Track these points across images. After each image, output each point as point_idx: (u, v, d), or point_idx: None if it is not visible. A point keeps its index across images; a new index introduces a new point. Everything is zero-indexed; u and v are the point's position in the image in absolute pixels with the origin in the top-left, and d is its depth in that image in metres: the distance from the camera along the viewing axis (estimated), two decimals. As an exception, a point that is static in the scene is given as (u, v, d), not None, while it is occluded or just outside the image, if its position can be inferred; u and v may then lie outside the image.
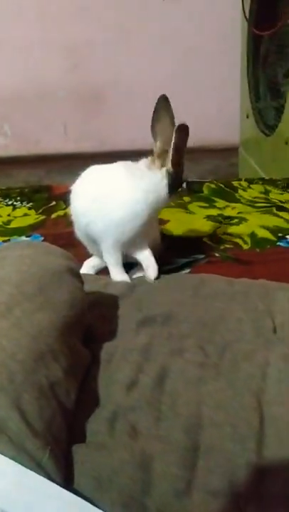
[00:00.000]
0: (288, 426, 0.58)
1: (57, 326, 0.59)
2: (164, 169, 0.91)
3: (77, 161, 2.43)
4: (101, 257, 0.96)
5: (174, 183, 0.92)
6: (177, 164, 0.91)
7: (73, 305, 0.65)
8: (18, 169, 2.66)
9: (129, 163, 0.93)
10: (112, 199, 0.87)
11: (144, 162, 0.92)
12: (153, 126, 0.91)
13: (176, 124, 0.86)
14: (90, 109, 2.70)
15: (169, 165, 0.90)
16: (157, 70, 2.57)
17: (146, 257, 0.94)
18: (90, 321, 0.76)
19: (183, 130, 0.87)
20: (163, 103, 0.90)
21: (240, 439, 0.56)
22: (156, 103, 0.90)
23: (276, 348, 0.72)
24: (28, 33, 2.45)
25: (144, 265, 0.95)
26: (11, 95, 2.60)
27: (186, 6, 2.46)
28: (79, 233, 0.95)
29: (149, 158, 0.92)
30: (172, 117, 0.89)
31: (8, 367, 0.52)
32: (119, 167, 0.91)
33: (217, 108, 2.63)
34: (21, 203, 1.32)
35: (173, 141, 0.87)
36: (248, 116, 2.17)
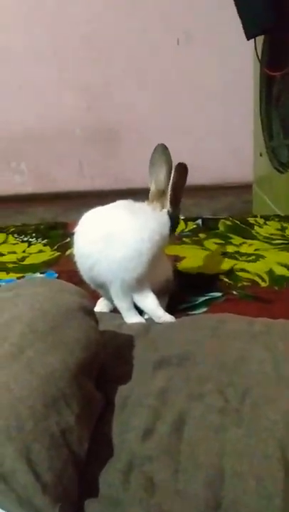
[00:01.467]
0: None
1: (70, 368, 0.57)
2: (164, 210, 0.91)
3: (93, 199, 2.44)
4: (111, 301, 0.93)
5: (173, 222, 0.91)
6: (176, 203, 0.91)
7: (87, 345, 0.62)
8: (35, 206, 2.69)
9: (130, 202, 0.92)
10: (115, 239, 0.86)
11: (144, 203, 0.92)
12: (150, 169, 0.92)
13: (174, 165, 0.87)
14: (105, 148, 2.74)
15: (168, 205, 0.90)
16: (171, 110, 2.62)
17: (149, 305, 0.91)
18: (103, 361, 0.73)
19: (182, 169, 0.89)
20: (160, 148, 0.91)
21: (266, 494, 0.52)
22: (154, 149, 0.92)
23: (301, 392, 0.68)
24: (46, 74, 2.53)
25: (149, 313, 0.92)
26: (28, 134, 2.66)
27: (200, 49, 2.52)
28: (84, 277, 0.93)
29: (149, 198, 0.92)
30: (169, 160, 0.89)
31: (17, 413, 0.49)
32: (120, 207, 0.90)
33: (231, 147, 2.66)
34: (37, 239, 1.32)
35: (172, 181, 0.88)
36: (261, 155, 2.18)
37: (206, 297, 1.00)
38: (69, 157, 2.73)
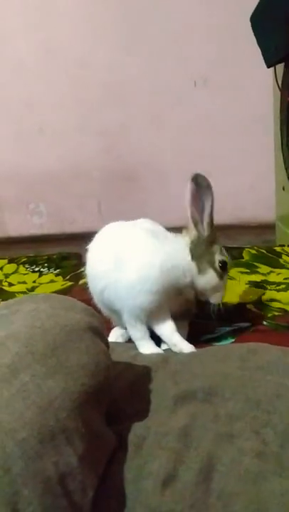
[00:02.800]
0: None
1: (72, 397, 0.47)
2: (187, 238, 0.83)
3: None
4: (125, 328, 0.84)
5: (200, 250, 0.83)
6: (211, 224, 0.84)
7: (95, 371, 0.52)
8: (52, 247, 2.66)
9: (155, 223, 0.85)
10: (124, 260, 0.77)
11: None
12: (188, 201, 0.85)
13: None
14: (123, 189, 2.73)
15: (193, 233, 0.83)
16: (189, 150, 2.61)
17: (165, 331, 0.81)
18: (116, 396, 0.62)
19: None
20: (197, 179, 0.85)
21: None
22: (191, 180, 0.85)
23: None
24: (66, 118, 2.57)
25: (165, 340, 0.82)
26: (46, 176, 2.67)
27: (217, 88, 2.54)
28: (96, 300, 0.84)
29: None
30: (205, 190, 0.83)
31: (4, 450, 0.39)
32: (140, 225, 0.83)
33: (250, 185, 2.61)
34: (48, 269, 1.24)
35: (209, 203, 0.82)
36: (284, 189, 2.11)
37: (233, 327, 0.90)
38: (87, 198, 2.72)
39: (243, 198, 2.61)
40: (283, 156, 2.10)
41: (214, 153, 2.61)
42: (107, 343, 0.60)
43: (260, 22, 1.61)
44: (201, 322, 0.88)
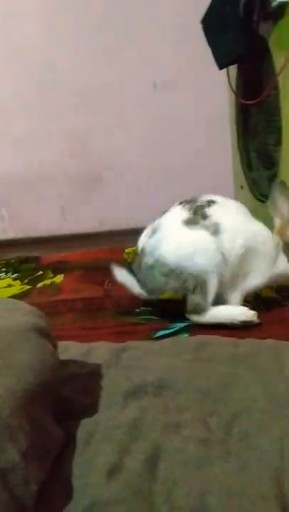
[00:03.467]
0: None
1: (16, 396, 0.47)
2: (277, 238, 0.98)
3: (75, 242, 2.39)
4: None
5: None
6: None
7: (41, 370, 0.53)
8: (15, 252, 2.63)
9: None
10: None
11: None
12: (272, 206, 1.02)
13: None
14: (87, 193, 2.74)
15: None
16: (152, 153, 2.64)
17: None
18: (67, 394, 0.63)
19: None
20: (279, 186, 1.00)
21: None
22: (273, 187, 1.04)
23: (296, 417, 0.58)
24: (29, 122, 2.55)
25: None
26: (9, 180, 2.64)
27: (176, 90, 2.58)
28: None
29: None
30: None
31: None
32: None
33: (214, 184, 2.65)
34: (6, 273, 1.23)
35: None
36: (242, 187, 2.15)
37: (186, 323, 0.92)
38: (51, 202, 2.71)
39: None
40: (240, 155, 2.15)
41: (177, 153, 2.65)
42: (54, 344, 0.60)
43: (211, 25, 1.64)
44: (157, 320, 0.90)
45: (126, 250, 1.37)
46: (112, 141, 2.65)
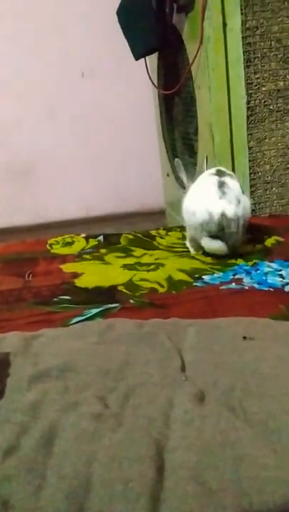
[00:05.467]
0: (192, 473, 0.49)
1: None
2: None
3: (11, 236, 2.35)
4: None
5: None
6: None
7: None
8: None
9: None
10: None
11: None
12: None
13: None
14: (19, 184, 2.71)
15: None
16: (84, 141, 2.65)
17: None
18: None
19: None
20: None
21: (133, 496, 0.46)
22: None
23: (183, 387, 0.64)
24: None
25: None
26: None
27: (103, 78, 2.60)
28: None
29: None
30: None
31: None
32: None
33: (145, 173, 2.70)
34: None
35: None
36: (168, 175, 2.22)
37: (101, 308, 0.96)
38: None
39: (144, 186, 2.68)
40: (165, 143, 2.21)
41: (106, 142, 2.67)
42: None
43: (125, 15, 1.67)
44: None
45: (48, 241, 1.38)
46: (44, 132, 2.63)
